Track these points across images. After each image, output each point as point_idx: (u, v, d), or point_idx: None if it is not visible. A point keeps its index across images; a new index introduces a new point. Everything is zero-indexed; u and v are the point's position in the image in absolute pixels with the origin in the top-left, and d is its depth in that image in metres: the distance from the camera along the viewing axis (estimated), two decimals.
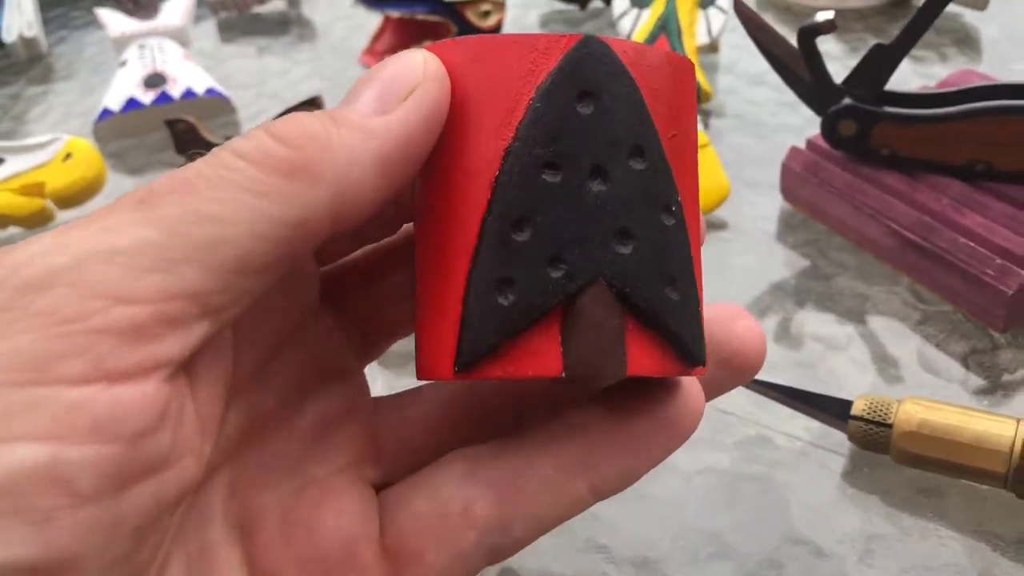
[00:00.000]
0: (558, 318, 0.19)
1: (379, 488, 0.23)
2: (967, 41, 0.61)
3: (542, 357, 0.19)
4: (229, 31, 0.72)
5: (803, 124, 0.52)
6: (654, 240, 0.19)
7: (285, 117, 0.19)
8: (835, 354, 0.40)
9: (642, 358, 0.19)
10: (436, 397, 0.24)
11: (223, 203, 0.17)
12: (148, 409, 0.16)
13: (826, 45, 0.61)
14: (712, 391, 0.23)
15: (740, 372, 0.23)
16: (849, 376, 0.39)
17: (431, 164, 0.20)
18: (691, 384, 0.22)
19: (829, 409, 0.35)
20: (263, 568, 0.21)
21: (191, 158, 0.50)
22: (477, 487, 0.21)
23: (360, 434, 0.23)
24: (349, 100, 0.19)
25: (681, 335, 0.20)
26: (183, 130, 0.50)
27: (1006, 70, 0.58)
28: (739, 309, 0.23)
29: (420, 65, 0.19)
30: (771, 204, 0.49)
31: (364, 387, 0.24)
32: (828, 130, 0.44)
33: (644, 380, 0.21)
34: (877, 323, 0.42)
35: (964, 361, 0.39)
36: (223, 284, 0.17)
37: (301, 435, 0.22)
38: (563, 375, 0.19)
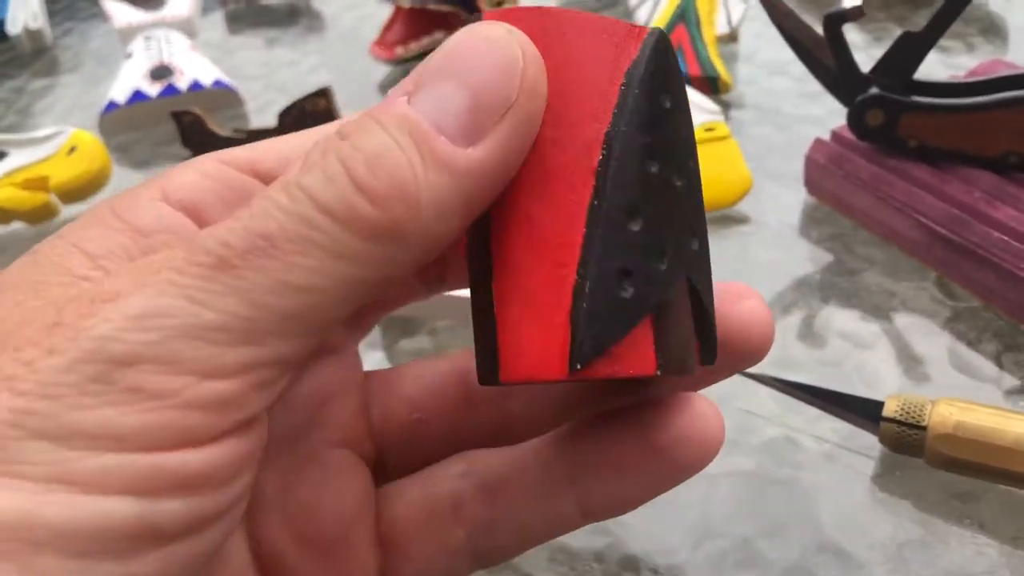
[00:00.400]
0: (652, 317, 0.18)
1: (374, 467, 0.23)
2: (993, 30, 0.60)
3: (639, 355, 0.18)
4: (237, 22, 0.71)
5: (825, 115, 0.51)
6: (705, 239, 0.20)
7: (370, 154, 0.17)
8: (861, 352, 0.39)
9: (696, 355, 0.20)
10: (427, 374, 0.24)
11: (310, 272, 0.16)
12: (234, 462, 0.17)
13: (849, 35, 0.60)
14: (711, 376, 0.22)
15: (741, 357, 0.21)
16: (877, 375, 0.38)
17: None
18: (703, 414, 0.20)
19: (859, 410, 0.34)
20: (263, 544, 0.21)
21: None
22: (470, 486, 0.22)
23: (355, 409, 0.23)
24: (430, 104, 0.17)
25: (711, 333, 0.20)
26: (190, 123, 0.48)
27: None
28: (746, 288, 0.21)
29: (517, 71, 0.17)
30: (794, 197, 0.47)
31: (357, 363, 0.24)
32: (855, 120, 0.42)
33: (651, 399, 0.21)
34: (905, 320, 0.40)
35: (997, 360, 0.38)
36: (308, 345, 0.17)
37: (297, 410, 0.22)
38: (657, 373, 0.18)
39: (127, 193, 0.20)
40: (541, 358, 0.18)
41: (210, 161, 0.20)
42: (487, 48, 0.17)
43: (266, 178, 0.20)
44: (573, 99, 0.18)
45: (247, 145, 0.21)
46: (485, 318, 0.19)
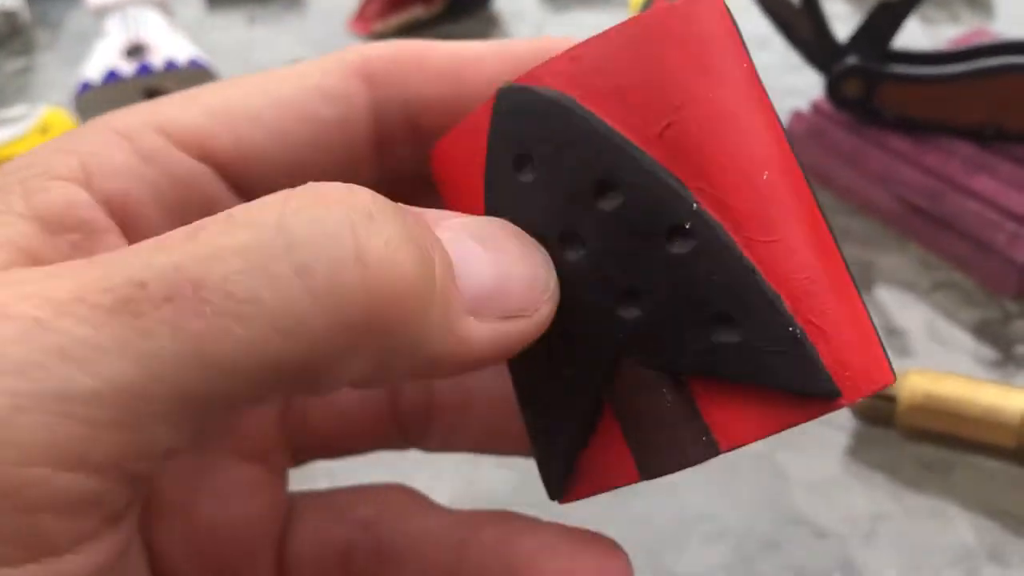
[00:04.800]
0: (611, 417, 0.16)
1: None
2: (978, 3, 0.59)
3: (616, 467, 0.16)
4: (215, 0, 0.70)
5: (808, 88, 0.50)
6: (668, 281, 0.15)
7: (386, 230, 0.13)
8: None
9: (735, 424, 0.15)
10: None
11: (239, 345, 0.12)
12: (101, 569, 0.13)
13: (834, 7, 0.59)
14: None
15: None
16: None
17: None
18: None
19: None
20: (163, 560, 0.18)
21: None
22: (367, 544, 0.19)
23: (268, 418, 0.20)
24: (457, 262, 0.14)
25: (766, 372, 0.15)
26: None
27: (1021, 29, 0.56)
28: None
29: (543, 293, 0.15)
30: None
31: None
32: (833, 91, 0.42)
33: None
34: (884, 292, 0.40)
35: (975, 332, 0.37)
36: (200, 436, 0.13)
37: None
38: (641, 479, 0.16)
39: (41, 156, 0.16)
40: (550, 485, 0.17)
41: (150, 135, 0.16)
42: (528, 252, 0.16)
43: (221, 163, 0.17)
44: (456, 204, 0.17)
45: (203, 105, 0.17)
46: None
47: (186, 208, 0.17)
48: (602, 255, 0.15)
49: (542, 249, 0.16)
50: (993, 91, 0.39)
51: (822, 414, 0.15)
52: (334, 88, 0.18)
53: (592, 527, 0.18)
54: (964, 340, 0.37)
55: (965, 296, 0.39)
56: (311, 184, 0.13)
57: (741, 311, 0.15)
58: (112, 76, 0.56)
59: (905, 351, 0.37)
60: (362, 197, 0.13)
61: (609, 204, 0.15)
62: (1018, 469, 0.31)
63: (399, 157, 0.20)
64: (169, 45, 0.58)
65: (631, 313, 0.15)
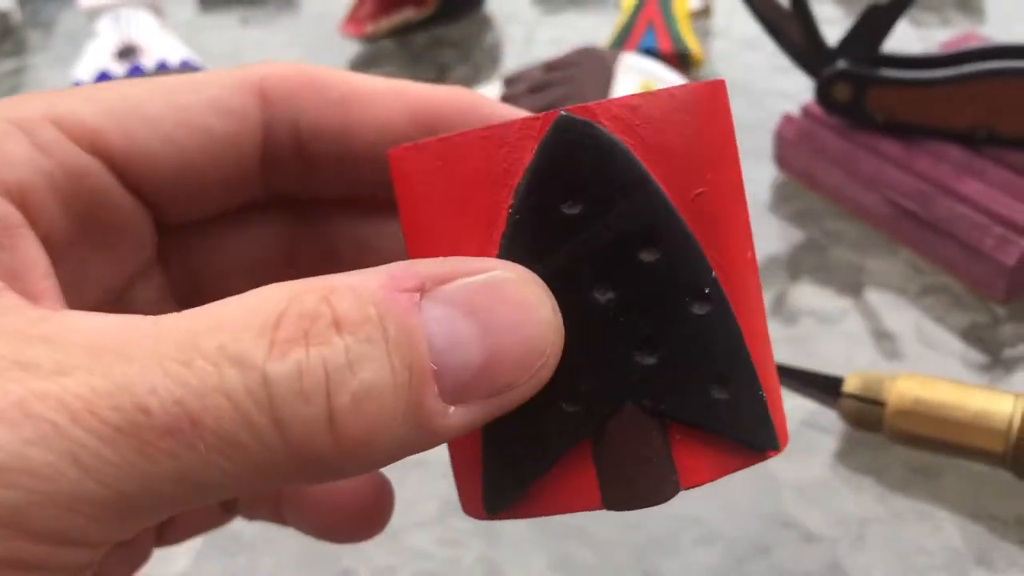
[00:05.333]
0: (589, 447, 0.16)
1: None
2: (970, 3, 0.59)
3: (579, 493, 0.17)
4: (208, 1, 0.70)
5: (798, 90, 0.50)
6: (685, 338, 0.16)
7: (363, 387, 0.14)
8: (830, 328, 0.39)
9: (697, 467, 0.17)
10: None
11: (224, 476, 0.14)
12: None
13: (825, 10, 0.59)
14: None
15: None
16: (845, 351, 0.38)
17: None
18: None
19: (820, 386, 0.33)
20: None
21: None
22: None
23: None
24: (442, 334, 0.14)
25: (740, 428, 0.17)
26: None
27: (1011, 32, 0.56)
28: None
29: (540, 358, 0.15)
30: (765, 174, 0.47)
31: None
32: (822, 95, 0.42)
33: None
34: (874, 296, 0.40)
35: (964, 335, 0.38)
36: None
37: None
38: (605, 508, 0.17)
39: None
40: (470, 501, 0.18)
41: (46, 127, 0.17)
42: (524, 319, 0.15)
43: (113, 159, 0.18)
44: (466, 236, 0.16)
45: (101, 102, 0.18)
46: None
47: (79, 199, 0.17)
48: (630, 302, 0.16)
49: (550, 299, 0.15)
50: (984, 95, 0.39)
51: (757, 463, 0.17)
52: (229, 103, 0.19)
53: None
54: (953, 344, 0.37)
55: (954, 300, 0.39)
56: (295, 315, 0.14)
57: (735, 373, 0.17)
58: (103, 77, 0.56)
59: (894, 355, 0.37)
60: (340, 343, 0.14)
61: (648, 256, 0.16)
62: (1006, 474, 0.31)
63: (286, 178, 0.20)
64: (161, 46, 0.58)
65: (647, 360, 0.16)
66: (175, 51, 0.57)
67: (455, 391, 0.14)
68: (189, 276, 0.21)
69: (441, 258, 0.15)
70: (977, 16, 0.58)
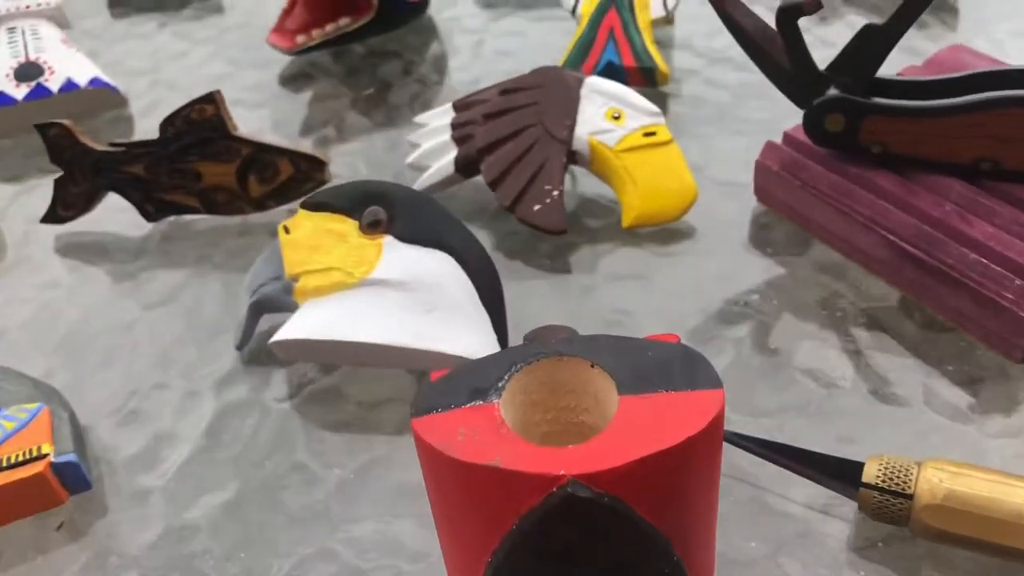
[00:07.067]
0: None
1: None
2: (944, 7, 0.56)
3: None
4: (121, 5, 0.63)
5: (772, 106, 0.46)
6: None
7: None
8: (823, 386, 0.35)
9: None
10: None
11: None
12: None
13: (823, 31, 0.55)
14: None
15: None
16: (841, 412, 0.34)
17: None
18: None
19: (835, 473, 0.29)
20: None
21: (60, 182, 0.43)
22: None
23: None
24: None
25: None
26: (56, 136, 0.42)
27: (985, 35, 0.53)
28: None
29: None
30: (742, 205, 0.43)
31: None
32: (812, 126, 0.38)
33: None
34: (872, 346, 0.36)
35: (974, 394, 0.34)
36: None
37: None
38: None
39: None
40: None
41: None
42: None
43: None
44: (460, 559, 0.18)
45: None
46: None
47: None
48: None
49: None
50: (989, 126, 0.36)
51: None
52: None
53: None
54: (964, 404, 0.34)
55: (963, 355, 0.35)
56: None
57: None
58: (1, 101, 0.50)
59: (898, 417, 0.34)
60: None
61: None
62: None
63: None
64: (67, 63, 0.52)
65: None
66: (84, 69, 0.51)
67: None
68: None
69: None
70: (952, 18, 0.55)
